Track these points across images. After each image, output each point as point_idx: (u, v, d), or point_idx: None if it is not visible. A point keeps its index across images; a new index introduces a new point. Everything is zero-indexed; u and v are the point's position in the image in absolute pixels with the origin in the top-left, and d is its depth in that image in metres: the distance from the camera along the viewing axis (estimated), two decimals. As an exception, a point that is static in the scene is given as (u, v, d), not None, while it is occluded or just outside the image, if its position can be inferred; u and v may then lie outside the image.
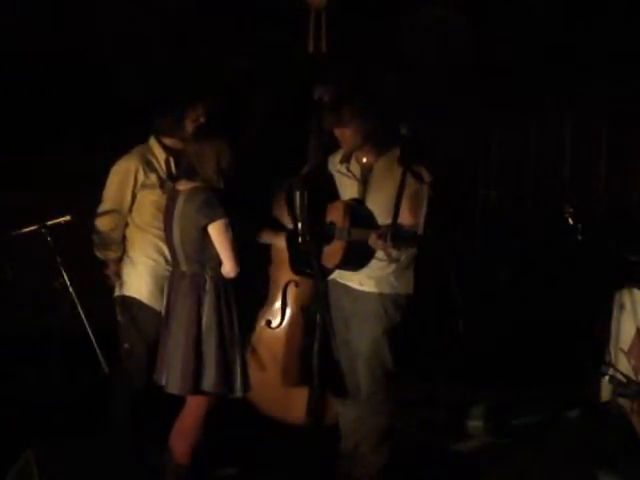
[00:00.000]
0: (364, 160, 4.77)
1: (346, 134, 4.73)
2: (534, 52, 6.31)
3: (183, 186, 4.51)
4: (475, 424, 5.57)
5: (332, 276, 4.80)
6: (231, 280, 4.48)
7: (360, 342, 4.75)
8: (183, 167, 4.54)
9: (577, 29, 6.30)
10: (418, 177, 4.60)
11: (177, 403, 4.59)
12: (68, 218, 4.79)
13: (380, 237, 4.36)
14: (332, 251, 4.70)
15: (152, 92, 5.14)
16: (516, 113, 6.40)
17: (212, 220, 4.39)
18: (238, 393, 4.52)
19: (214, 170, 4.45)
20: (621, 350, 5.32)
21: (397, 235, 4.31)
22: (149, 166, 4.87)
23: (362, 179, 4.78)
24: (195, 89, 4.94)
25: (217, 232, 4.40)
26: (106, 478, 4.40)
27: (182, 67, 5.71)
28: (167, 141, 4.91)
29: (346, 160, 4.84)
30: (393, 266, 4.70)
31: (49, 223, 4.77)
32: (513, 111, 6.38)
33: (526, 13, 6.35)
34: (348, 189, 4.83)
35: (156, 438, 4.74)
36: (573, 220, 5.49)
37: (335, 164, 4.90)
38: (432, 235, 4.48)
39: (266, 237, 4.98)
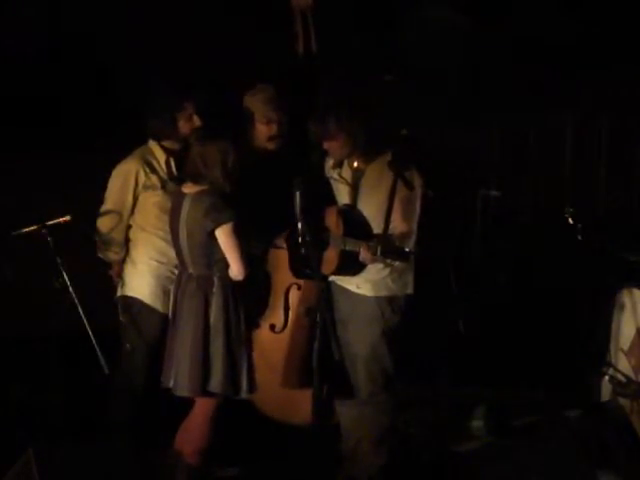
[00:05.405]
0: (355, 165, 4.77)
1: (334, 146, 4.73)
2: (534, 52, 6.31)
3: (189, 189, 4.49)
4: (476, 424, 5.57)
5: (330, 278, 4.81)
6: (238, 282, 4.47)
7: (358, 344, 4.76)
8: (188, 169, 4.50)
9: (577, 29, 6.30)
10: (408, 184, 4.61)
11: (178, 403, 4.59)
12: (68, 218, 4.78)
13: (370, 250, 4.40)
14: (328, 258, 4.72)
15: (146, 93, 5.12)
16: (516, 113, 6.39)
17: (219, 224, 4.37)
18: (244, 394, 4.51)
19: (220, 171, 4.42)
20: (621, 350, 5.32)
21: (386, 250, 4.38)
22: (150, 167, 4.86)
23: (354, 184, 4.78)
24: (178, 89, 4.91)
25: (225, 235, 4.38)
26: (106, 478, 4.40)
27: (172, 67, 5.69)
28: (165, 143, 4.90)
29: (338, 166, 4.84)
30: (390, 269, 4.70)
31: (49, 223, 4.76)
32: (513, 111, 6.38)
33: (526, 13, 6.35)
34: (341, 194, 4.85)
35: (157, 438, 4.74)
36: (573, 220, 5.49)
37: (328, 169, 4.91)
38: (421, 251, 4.54)
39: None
